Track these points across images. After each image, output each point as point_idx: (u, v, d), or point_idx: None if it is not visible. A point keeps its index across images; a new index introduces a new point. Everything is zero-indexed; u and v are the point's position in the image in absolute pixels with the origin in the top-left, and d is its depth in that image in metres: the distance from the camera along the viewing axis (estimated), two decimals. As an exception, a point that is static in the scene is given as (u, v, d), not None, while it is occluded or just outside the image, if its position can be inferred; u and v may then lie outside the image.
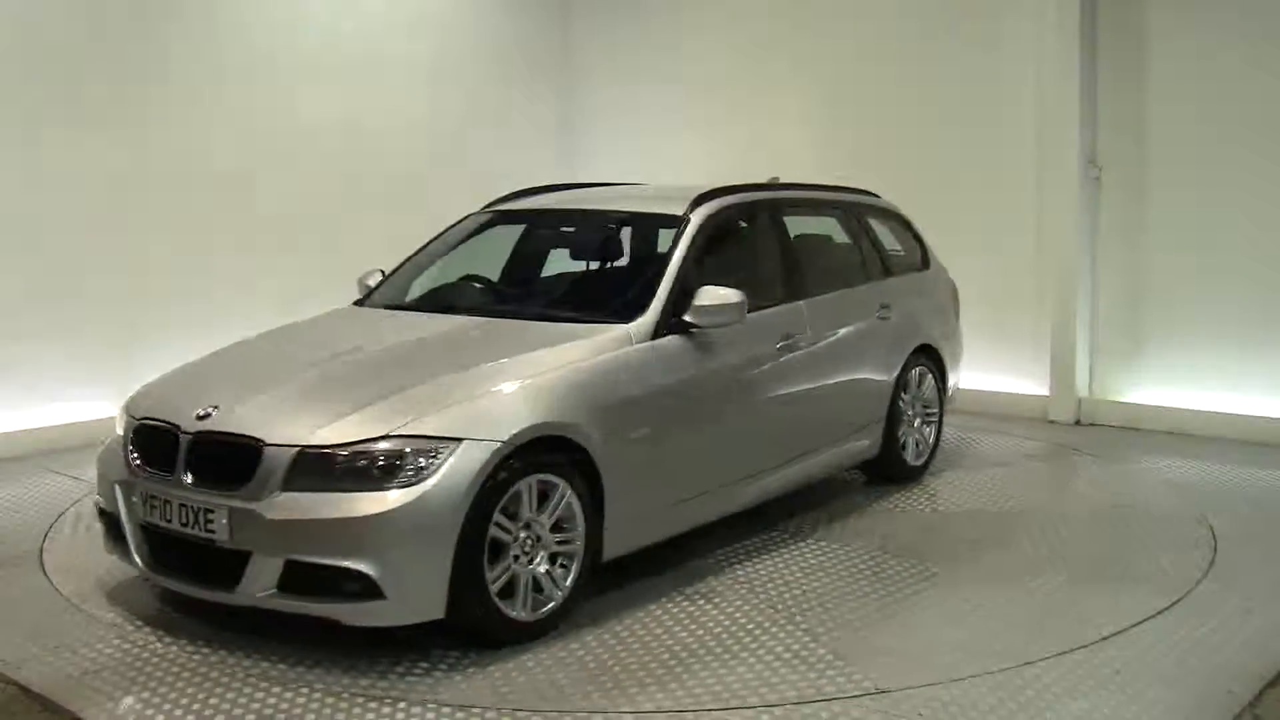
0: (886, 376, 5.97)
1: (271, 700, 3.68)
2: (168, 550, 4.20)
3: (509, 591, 4.05)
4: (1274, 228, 7.09)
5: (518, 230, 5.97)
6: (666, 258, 4.96)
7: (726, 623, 4.31)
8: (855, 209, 6.34)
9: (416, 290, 5.65)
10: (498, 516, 3.97)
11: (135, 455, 4.33)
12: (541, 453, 4.11)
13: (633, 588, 4.64)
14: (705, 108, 9.60)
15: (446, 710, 3.61)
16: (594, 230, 5.57)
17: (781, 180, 6.30)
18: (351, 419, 3.96)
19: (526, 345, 4.50)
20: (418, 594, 3.84)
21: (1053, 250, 7.79)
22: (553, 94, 10.38)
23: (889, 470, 6.16)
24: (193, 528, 4.02)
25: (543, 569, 4.15)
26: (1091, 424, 7.70)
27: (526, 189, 6.21)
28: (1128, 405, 7.67)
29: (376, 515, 3.76)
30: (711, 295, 4.74)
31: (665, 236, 5.22)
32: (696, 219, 5.14)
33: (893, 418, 6.03)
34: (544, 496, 4.15)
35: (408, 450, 3.86)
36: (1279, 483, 6.27)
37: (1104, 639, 4.13)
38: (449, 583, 3.85)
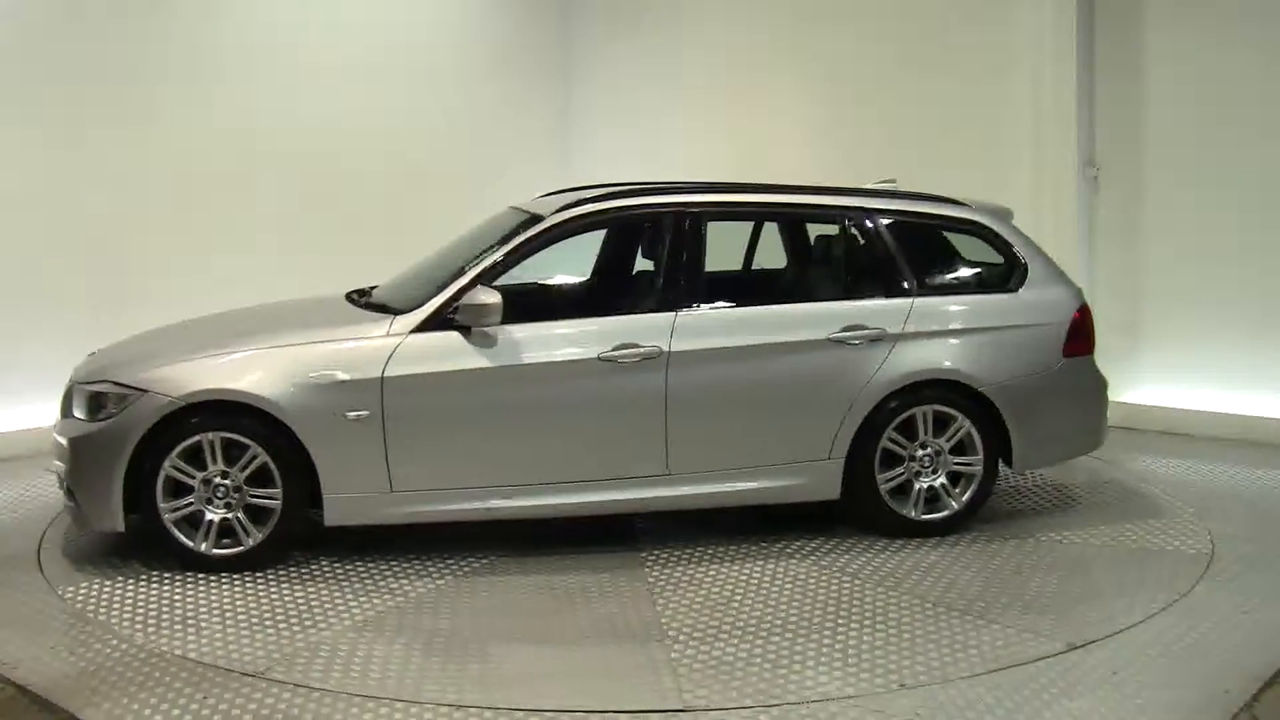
0: (843, 408, 5.16)
1: (270, 700, 3.68)
2: None
3: (197, 525, 4.82)
4: (1272, 228, 7.09)
5: None
6: (489, 256, 5.11)
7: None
8: (861, 216, 5.48)
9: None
10: (175, 460, 4.76)
11: None
12: (232, 415, 4.76)
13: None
14: (705, 107, 9.60)
15: (444, 710, 3.62)
16: (496, 230, 5.58)
17: (897, 183, 5.82)
18: (102, 367, 5.03)
19: (309, 326, 5.10)
20: (98, 509, 4.79)
21: (1050, 250, 7.73)
22: (552, 94, 10.37)
23: (869, 521, 5.34)
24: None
25: (233, 516, 4.84)
26: (1090, 424, 7.69)
27: (571, 188, 6.12)
28: (1125, 405, 7.67)
29: (73, 439, 4.84)
30: (474, 295, 4.90)
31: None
32: (549, 222, 5.17)
33: (865, 460, 5.22)
34: (240, 453, 4.80)
35: (108, 394, 4.83)
36: (1277, 483, 6.27)
37: (1102, 639, 4.13)
38: (123, 505, 4.74)
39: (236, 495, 4.83)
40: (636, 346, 5.00)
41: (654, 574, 4.87)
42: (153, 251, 7.70)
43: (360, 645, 4.12)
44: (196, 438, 4.77)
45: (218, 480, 4.81)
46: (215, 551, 4.83)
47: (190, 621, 4.33)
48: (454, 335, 4.93)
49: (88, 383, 4.96)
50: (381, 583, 4.77)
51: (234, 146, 8.09)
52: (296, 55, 8.48)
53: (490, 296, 4.87)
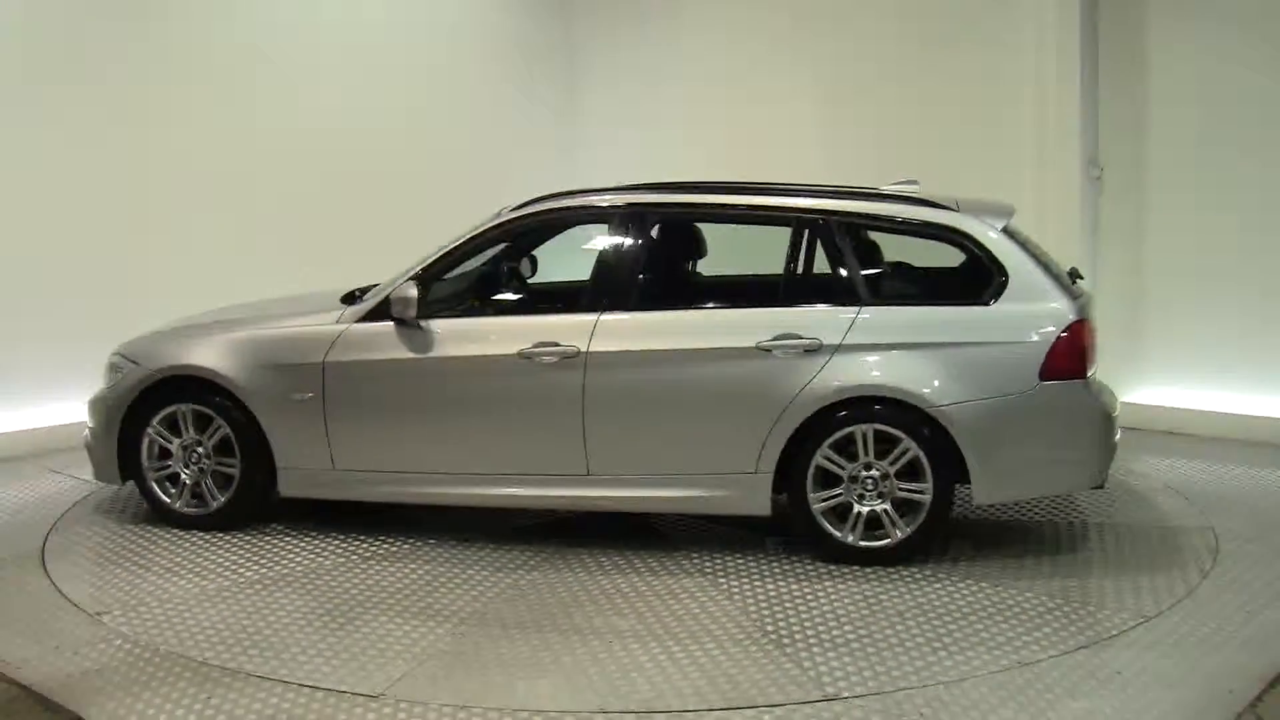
0: (769, 421, 4.85)
1: (273, 700, 3.69)
2: None
3: (179, 485, 5.45)
4: (1274, 229, 7.09)
5: None
6: (433, 254, 5.38)
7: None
8: (811, 219, 5.14)
9: None
10: (157, 426, 5.41)
11: None
12: (201, 389, 5.32)
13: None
14: (705, 106, 9.60)
15: (448, 710, 3.62)
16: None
17: (919, 185, 5.43)
18: (127, 341, 5.65)
19: (282, 314, 5.55)
20: (103, 463, 5.52)
21: (1053, 250, 7.68)
22: (553, 94, 10.38)
23: (812, 541, 5.02)
24: None
25: (200, 481, 5.42)
26: (1092, 424, 7.69)
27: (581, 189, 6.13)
28: (1128, 405, 7.64)
29: (90, 401, 5.59)
30: (400, 289, 5.15)
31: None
32: (491, 223, 5.39)
33: (795, 477, 4.91)
34: (210, 423, 5.37)
35: (117, 364, 5.54)
36: (1279, 483, 6.27)
37: (1105, 639, 4.13)
38: (119, 462, 5.44)
39: (207, 461, 5.40)
40: (555, 346, 5.02)
41: (542, 576, 4.84)
42: (153, 252, 7.70)
43: (220, 604, 4.52)
44: (172, 408, 5.38)
45: (194, 447, 5.40)
46: (186, 510, 5.44)
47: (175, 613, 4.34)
48: (388, 326, 5.19)
49: (114, 353, 5.63)
50: (288, 552, 5.16)
51: (234, 146, 8.08)
52: (297, 56, 8.48)
53: (409, 291, 5.10)
